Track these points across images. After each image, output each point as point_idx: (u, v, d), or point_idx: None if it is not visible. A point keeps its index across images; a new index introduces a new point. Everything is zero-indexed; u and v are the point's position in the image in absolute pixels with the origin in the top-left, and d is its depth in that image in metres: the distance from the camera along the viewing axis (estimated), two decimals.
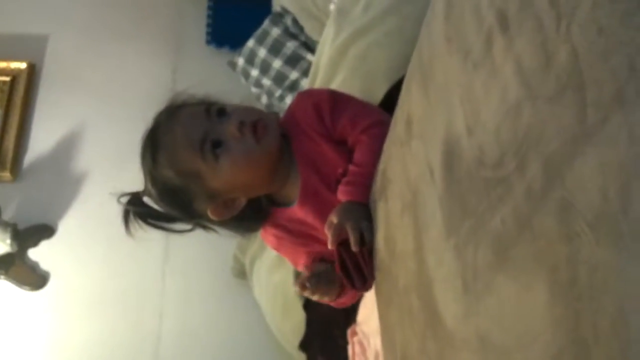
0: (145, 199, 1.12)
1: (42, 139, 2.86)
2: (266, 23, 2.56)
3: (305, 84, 2.22)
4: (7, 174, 2.77)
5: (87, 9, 3.06)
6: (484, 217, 0.61)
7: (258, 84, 2.57)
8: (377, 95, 1.44)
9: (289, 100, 2.43)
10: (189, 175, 1.04)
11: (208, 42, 2.93)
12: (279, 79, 2.47)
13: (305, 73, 2.32)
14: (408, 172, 0.80)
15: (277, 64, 2.48)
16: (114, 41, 2.98)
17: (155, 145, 1.07)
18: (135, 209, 1.12)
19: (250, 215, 1.11)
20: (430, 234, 0.74)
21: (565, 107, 0.49)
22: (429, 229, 0.74)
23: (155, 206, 1.12)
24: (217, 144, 1.02)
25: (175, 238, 2.68)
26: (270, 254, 1.94)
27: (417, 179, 0.77)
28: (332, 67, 1.63)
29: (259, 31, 2.57)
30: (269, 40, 2.52)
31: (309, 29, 2.38)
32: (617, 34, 0.45)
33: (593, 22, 0.48)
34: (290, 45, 2.46)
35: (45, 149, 2.85)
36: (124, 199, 1.14)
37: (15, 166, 2.80)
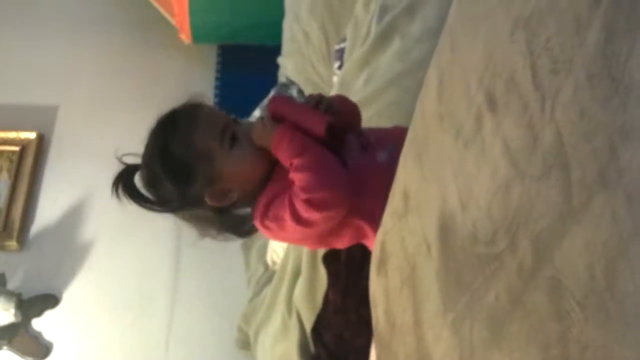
0: (142, 175, 1.19)
1: (49, 209, 2.89)
2: (272, 93, 2.61)
3: None
4: (13, 243, 2.79)
5: (96, 79, 3.14)
6: (479, 292, 0.61)
7: None
8: None
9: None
10: (202, 155, 1.13)
11: None
12: None
13: None
14: (406, 246, 0.81)
15: None
16: (122, 109, 3.05)
17: (175, 122, 1.16)
18: (125, 185, 1.20)
19: (234, 216, 1.22)
20: (428, 309, 0.74)
21: (552, 187, 0.50)
22: (427, 304, 0.75)
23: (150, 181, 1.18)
24: (233, 139, 1.14)
25: (180, 308, 2.67)
26: (275, 323, 1.93)
27: (415, 253, 0.78)
28: None
29: (264, 101, 2.62)
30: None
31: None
32: (597, 117, 0.47)
33: (575, 105, 0.49)
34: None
35: (51, 219, 2.87)
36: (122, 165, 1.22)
37: (22, 235, 2.82)
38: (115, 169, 2.97)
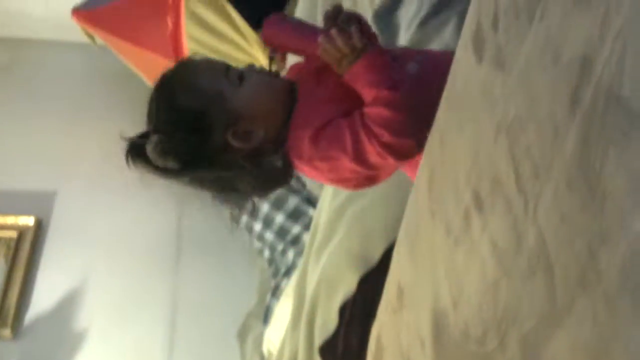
0: (150, 141, 1.05)
1: (44, 295, 2.87)
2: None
3: (306, 238, 2.27)
4: (7, 332, 2.76)
5: (95, 164, 3.18)
6: None
7: (261, 237, 2.63)
8: (374, 254, 1.48)
9: (291, 254, 2.47)
10: (211, 96, 1.02)
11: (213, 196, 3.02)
12: (282, 233, 2.53)
13: (307, 227, 2.38)
14: (401, 341, 0.82)
15: (279, 218, 2.55)
16: (120, 194, 3.07)
17: (173, 78, 1.06)
18: (141, 158, 1.07)
19: (267, 155, 1.05)
20: None
21: (537, 288, 0.52)
22: None
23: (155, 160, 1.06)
24: (241, 76, 1.05)
25: None
26: None
27: (410, 348, 0.79)
28: (331, 227, 1.69)
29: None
30: (272, 196, 2.61)
31: (311, 184, 2.47)
32: (577, 222, 0.49)
33: (556, 209, 0.52)
34: (293, 201, 2.55)
35: (47, 306, 2.85)
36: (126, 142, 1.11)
37: (16, 323, 2.79)
38: (111, 254, 2.97)
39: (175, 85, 1.04)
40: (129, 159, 1.08)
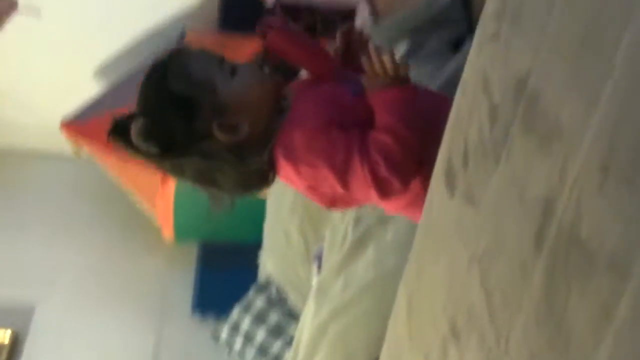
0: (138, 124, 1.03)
1: None
2: (251, 292, 2.65)
3: (288, 356, 2.24)
4: None
5: (74, 278, 3.15)
6: None
7: (242, 355, 2.58)
8: None
9: None
10: (202, 84, 1.03)
11: (193, 310, 2.99)
12: (263, 350, 2.50)
13: (288, 344, 2.35)
14: None
15: (260, 335, 2.52)
16: (98, 310, 3.03)
17: (166, 62, 1.06)
18: (124, 139, 1.05)
19: (247, 150, 1.05)
20: None
21: None
22: None
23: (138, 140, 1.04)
24: (233, 69, 1.05)
25: None
26: None
27: None
28: (313, 345, 1.68)
29: (243, 300, 2.64)
30: (254, 310, 2.59)
31: (293, 298, 2.46)
32: (544, 359, 0.52)
33: (526, 345, 0.54)
34: (275, 316, 2.53)
35: None
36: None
37: None
38: None
39: (167, 69, 1.05)
40: (111, 137, 1.06)
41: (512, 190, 0.61)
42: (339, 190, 1.00)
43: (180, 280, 3.15)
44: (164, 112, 1.03)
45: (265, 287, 2.62)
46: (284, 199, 2.35)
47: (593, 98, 0.48)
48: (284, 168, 1.04)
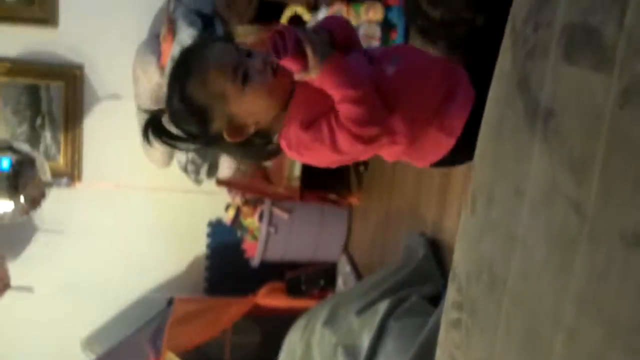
0: (164, 119, 1.24)
1: None
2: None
3: None
4: None
5: None
6: None
7: None
8: None
9: None
10: (216, 95, 1.17)
11: None
12: None
13: None
14: None
15: None
16: None
17: (189, 66, 1.20)
18: (154, 126, 1.23)
19: (254, 144, 1.24)
20: None
21: None
22: None
23: (171, 127, 1.23)
24: (245, 75, 1.17)
25: None
26: None
27: None
28: None
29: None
30: None
31: None
32: None
33: None
34: None
35: None
36: (145, 116, 1.25)
37: None
38: None
39: (189, 73, 1.20)
40: (149, 125, 1.25)
41: None
42: (338, 157, 1.19)
43: None
44: (184, 112, 1.21)
45: None
46: None
47: None
48: (289, 153, 1.23)
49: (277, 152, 1.28)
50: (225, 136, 1.21)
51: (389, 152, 1.24)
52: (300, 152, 1.20)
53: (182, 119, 1.21)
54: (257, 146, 1.26)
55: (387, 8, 2.39)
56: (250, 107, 1.19)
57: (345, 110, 1.12)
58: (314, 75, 1.14)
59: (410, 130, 1.16)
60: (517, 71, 0.68)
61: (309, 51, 1.13)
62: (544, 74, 0.65)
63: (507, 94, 0.69)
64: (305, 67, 1.14)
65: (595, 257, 0.57)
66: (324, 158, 1.20)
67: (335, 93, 1.14)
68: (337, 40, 1.20)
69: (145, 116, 1.28)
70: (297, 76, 1.17)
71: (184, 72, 1.21)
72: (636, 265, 0.53)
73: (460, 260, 0.84)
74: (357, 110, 1.12)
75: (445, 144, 1.20)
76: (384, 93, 1.15)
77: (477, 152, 0.76)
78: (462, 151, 1.18)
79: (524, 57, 0.68)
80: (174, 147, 1.30)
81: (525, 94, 0.67)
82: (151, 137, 1.25)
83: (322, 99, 1.18)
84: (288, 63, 1.14)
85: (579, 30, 0.61)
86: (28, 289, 3.15)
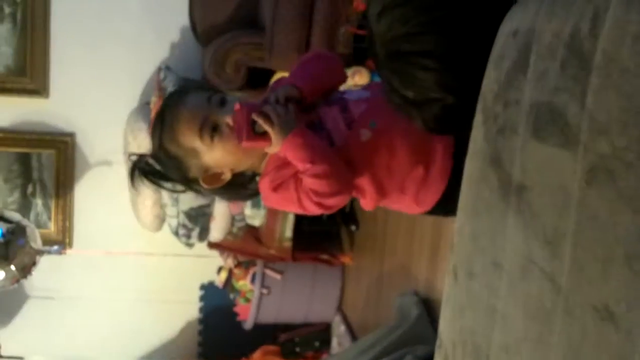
0: (150, 161, 1.29)
1: None
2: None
3: None
4: None
5: None
6: None
7: None
8: None
9: None
10: (188, 150, 1.22)
11: None
12: None
13: None
14: None
15: None
16: None
17: (163, 122, 1.25)
18: (140, 167, 1.29)
19: (234, 186, 1.29)
20: None
21: None
22: None
23: (157, 167, 1.29)
24: (214, 128, 1.20)
25: None
26: None
27: None
28: None
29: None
30: None
31: None
32: None
33: None
34: None
35: None
36: (133, 158, 1.32)
37: None
38: None
39: (164, 128, 1.25)
40: (135, 167, 1.31)
41: None
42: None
43: None
44: (165, 160, 1.27)
45: None
46: None
47: None
48: (265, 202, 1.30)
49: (256, 193, 1.32)
50: (202, 183, 1.26)
51: (362, 203, 1.29)
52: (273, 206, 1.30)
53: (162, 164, 1.29)
54: (237, 187, 1.31)
55: (373, 72, 2.44)
56: (222, 159, 1.23)
57: (307, 182, 1.16)
58: (276, 150, 1.18)
59: (379, 195, 1.21)
60: (490, 147, 0.71)
61: (268, 129, 1.17)
62: (515, 150, 0.67)
63: (481, 170, 0.72)
64: (266, 144, 1.18)
65: (571, 330, 0.58)
66: (295, 211, 1.28)
67: (297, 165, 1.18)
68: (306, 95, 1.22)
69: (132, 160, 1.34)
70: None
71: (160, 123, 1.27)
72: (609, 339, 0.54)
73: (445, 329, 0.85)
74: (318, 183, 1.16)
75: (417, 210, 1.25)
76: (357, 157, 1.19)
77: (456, 226, 0.78)
78: (443, 208, 1.21)
79: (495, 133, 0.71)
80: (159, 186, 1.35)
81: (499, 170, 0.69)
82: (137, 179, 1.31)
83: (283, 167, 1.21)
84: (249, 145, 1.18)
85: (545, 110, 0.64)
86: (19, 358, 3.09)
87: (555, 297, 0.60)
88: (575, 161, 0.59)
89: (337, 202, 1.19)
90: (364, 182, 1.20)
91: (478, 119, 0.75)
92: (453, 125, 0.95)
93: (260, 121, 1.16)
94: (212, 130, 1.20)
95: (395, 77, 1.03)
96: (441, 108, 0.98)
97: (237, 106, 1.18)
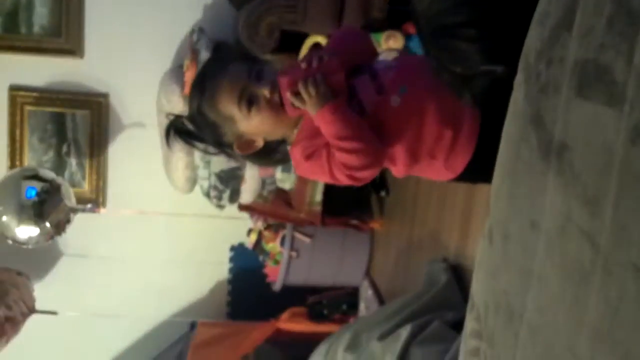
0: (187, 123, 1.33)
1: None
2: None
3: None
4: None
5: None
6: None
7: None
8: None
9: None
10: (226, 117, 1.26)
11: None
12: None
13: None
14: None
15: None
16: None
17: (203, 89, 1.28)
18: (177, 128, 1.34)
19: (265, 153, 1.33)
20: None
21: None
22: None
23: (193, 129, 1.33)
24: (251, 100, 1.24)
25: None
26: None
27: None
28: None
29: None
30: None
31: None
32: None
33: None
34: None
35: None
36: (171, 117, 1.36)
37: None
38: None
39: (203, 92, 1.29)
40: (170, 127, 1.35)
41: None
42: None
43: None
44: (201, 125, 1.31)
45: None
46: None
47: None
48: (296, 170, 1.32)
49: (286, 160, 1.37)
50: (235, 149, 1.31)
51: (393, 171, 1.30)
52: (302, 171, 1.30)
53: (198, 127, 1.32)
54: (268, 153, 1.35)
55: (407, 36, 2.41)
56: (257, 128, 1.27)
57: (339, 156, 1.19)
58: (312, 111, 1.21)
59: (411, 161, 1.22)
60: (531, 106, 0.70)
61: (300, 105, 1.21)
62: (557, 108, 0.66)
63: (521, 129, 0.71)
64: (310, 100, 1.21)
65: (609, 290, 0.57)
66: (325, 180, 1.27)
67: (330, 140, 1.20)
68: (345, 63, 1.23)
69: (168, 120, 1.38)
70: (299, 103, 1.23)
71: (199, 89, 1.30)
72: None
73: (478, 291, 0.85)
74: (348, 157, 1.18)
75: (447, 176, 1.25)
76: (388, 123, 1.20)
77: (493, 187, 0.77)
78: (472, 174, 1.22)
79: (537, 92, 0.70)
80: (193, 146, 1.38)
81: (539, 129, 0.68)
82: (172, 139, 1.35)
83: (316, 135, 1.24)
84: (294, 114, 1.23)
85: (590, 67, 0.62)
86: (53, 313, 3.17)
87: (594, 256, 0.59)
88: (620, 119, 0.58)
89: (368, 174, 1.21)
90: (396, 148, 1.21)
91: (519, 78, 0.74)
92: (502, 100, 0.95)
93: (295, 96, 1.20)
94: (249, 101, 1.24)
95: (443, 53, 1.03)
96: (489, 81, 0.96)
97: (279, 78, 1.22)
